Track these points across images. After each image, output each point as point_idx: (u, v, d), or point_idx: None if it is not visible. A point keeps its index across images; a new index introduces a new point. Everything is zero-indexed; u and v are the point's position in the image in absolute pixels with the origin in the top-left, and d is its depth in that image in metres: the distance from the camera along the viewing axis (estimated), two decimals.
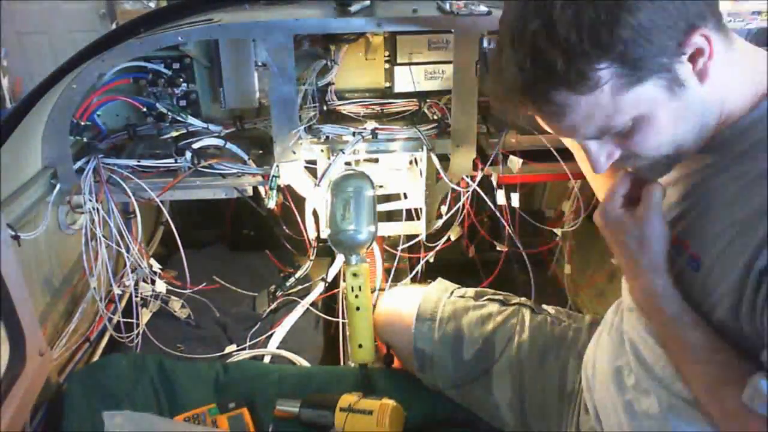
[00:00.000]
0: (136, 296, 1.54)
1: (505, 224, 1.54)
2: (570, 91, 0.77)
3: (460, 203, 1.53)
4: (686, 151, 0.85)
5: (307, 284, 1.73)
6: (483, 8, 1.34)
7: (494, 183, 1.49)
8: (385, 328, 1.42)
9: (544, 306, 1.36)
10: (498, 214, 1.53)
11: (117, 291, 1.54)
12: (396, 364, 1.46)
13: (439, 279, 1.46)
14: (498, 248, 1.64)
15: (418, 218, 1.60)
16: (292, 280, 1.70)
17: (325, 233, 1.44)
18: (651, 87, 0.77)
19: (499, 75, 0.82)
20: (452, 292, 1.39)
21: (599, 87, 0.76)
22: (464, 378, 1.29)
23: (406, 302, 1.39)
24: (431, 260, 1.63)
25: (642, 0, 0.72)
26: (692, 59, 0.78)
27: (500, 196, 1.50)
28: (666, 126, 0.81)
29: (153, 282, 1.60)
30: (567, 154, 1.45)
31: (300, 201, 1.51)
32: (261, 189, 1.47)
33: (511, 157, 1.45)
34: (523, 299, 1.38)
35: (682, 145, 0.84)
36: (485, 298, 1.38)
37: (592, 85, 0.75)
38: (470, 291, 1.41)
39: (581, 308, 1.81)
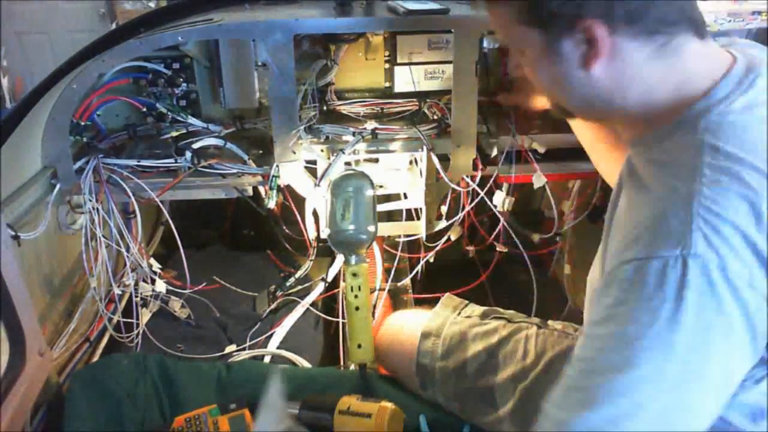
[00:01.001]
0: (136, 296, 1.54)
1: (505, 224, 1.53)
2: None
3: (461, 203, 1.53)
4: (580, 116, 0.93)
5: (307, 284, 1.73)
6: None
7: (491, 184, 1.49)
8: (388, 350, 1.42)
9: (550, 322, 1.35)
10: (498, 214, 1.53)
11: (117, 291, 1.53)
12: None
13: (448, 294, 1.45)
14: (498, 248, 1.64)
15: (418, 218, 1.60)
16: (292, 280, 1.69)
17: (325, 233, 1.44)
18: (535, 35, 0.83)
19: None
20: (459, 312, 1.39)
21: (499, 4, 0.87)
22: (467, 392, 1.28)
23: (411, 323, 1.40)
24: (431, 260, 1.64)
25: None
26: (590, 44, 0.80)
27: (498, 197, 1.50)
28: (544, 78, 0.88)
29: (153, 282, 1.60)
30: (566, 155, 1.45)
31: (300, 201, 1.51)
32: (261, 189, 1.47)
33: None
34: (530, 318, 1.38)
35: (566, 108, 0.90)
36: (492, 317, 1.37)
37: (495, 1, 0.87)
38: (477, 310, 1.40)
39: (581, 308, 1.81)
